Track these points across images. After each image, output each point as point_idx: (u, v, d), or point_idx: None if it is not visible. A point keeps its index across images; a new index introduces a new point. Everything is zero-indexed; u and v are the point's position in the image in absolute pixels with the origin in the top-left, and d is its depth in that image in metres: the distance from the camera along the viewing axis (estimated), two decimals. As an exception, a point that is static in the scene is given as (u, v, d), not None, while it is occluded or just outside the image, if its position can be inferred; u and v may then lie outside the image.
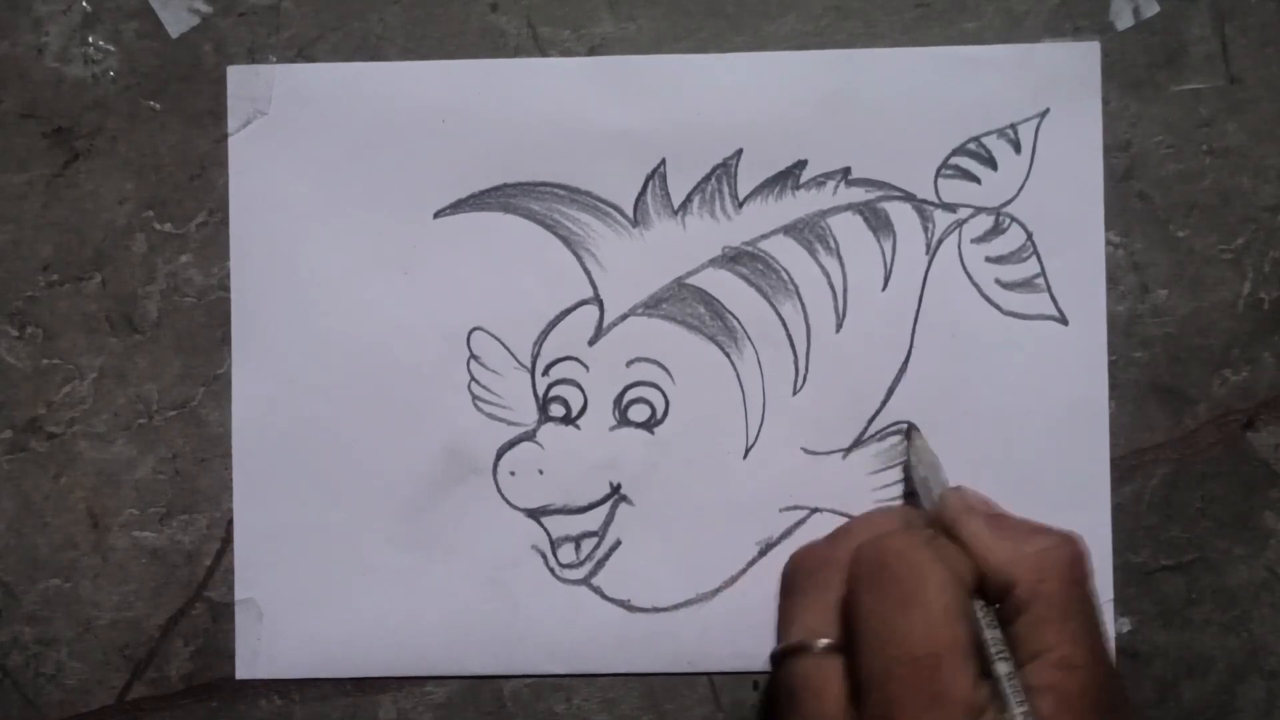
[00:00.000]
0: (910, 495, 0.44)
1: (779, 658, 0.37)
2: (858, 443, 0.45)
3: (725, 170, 0.45)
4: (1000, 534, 0.36)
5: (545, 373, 0.45)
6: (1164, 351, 0.45)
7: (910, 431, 0.44)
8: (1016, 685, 0.33)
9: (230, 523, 0.45)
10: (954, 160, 0.45)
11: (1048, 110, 0.45)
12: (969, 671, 0.33)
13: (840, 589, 0.36)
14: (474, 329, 0.45)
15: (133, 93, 0.46)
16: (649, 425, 0.45)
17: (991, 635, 0.34)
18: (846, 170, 0.45)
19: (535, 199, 0.45)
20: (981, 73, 0.45)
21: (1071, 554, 0.36)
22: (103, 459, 0.46)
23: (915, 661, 0.33)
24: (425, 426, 0.45)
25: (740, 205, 0.45)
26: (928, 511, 0.41)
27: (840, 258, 0.45)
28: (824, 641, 0.35)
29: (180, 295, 0.46)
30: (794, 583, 0.38)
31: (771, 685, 0.37)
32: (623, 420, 0.45)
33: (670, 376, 0.45)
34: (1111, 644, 0.44)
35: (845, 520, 0.44)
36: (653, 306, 0.45)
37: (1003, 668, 0.33)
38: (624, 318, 0.45)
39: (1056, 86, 0.45)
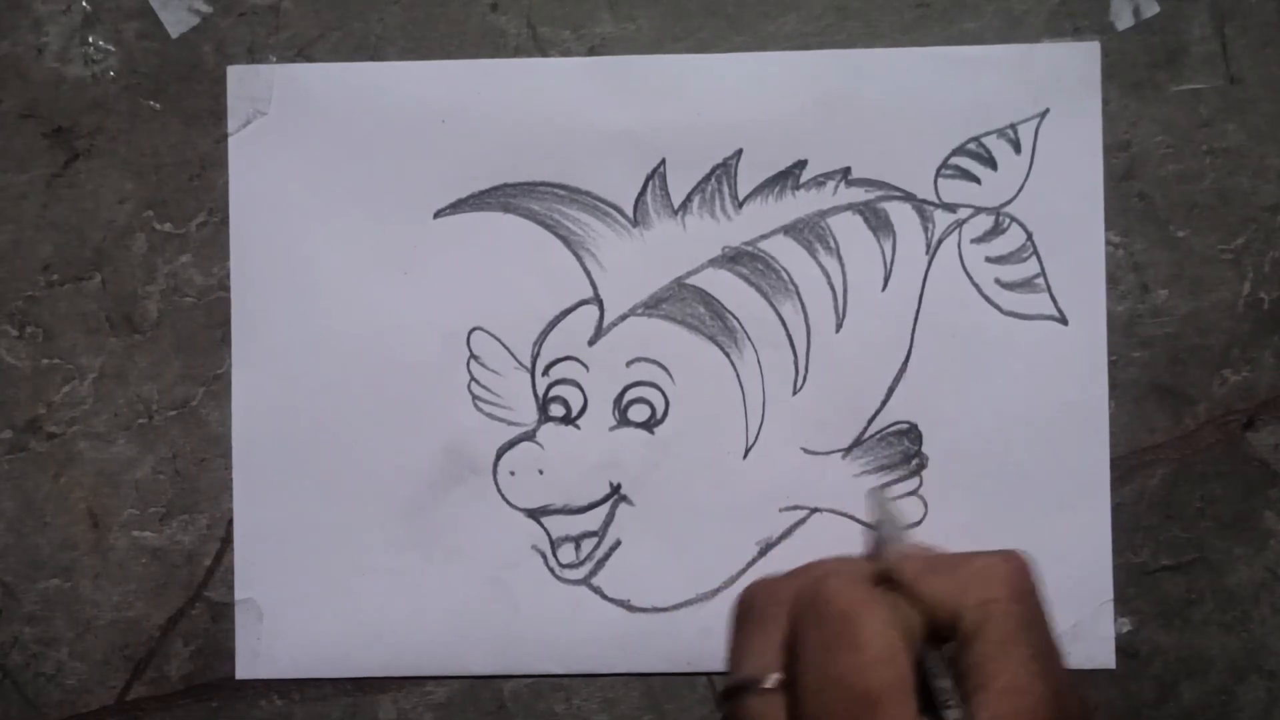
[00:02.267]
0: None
1: (727, 694, 0.37)
2: (858, 442, 0.45)
3: (725, 170, 0.45)
4: (937, 570, 0.36)
5: (545, 373, 0.45)
6: (1164, 351, 0.45)
7: (874, 491, 0.44)
8: None
9: (230, 523, 0.45)
10: (954, 160, 0.45)
11: (1048, 110, 0.45)
12: (907, 711, 0.33)
13: (786, 627, 0.36)
14: (474, 329, 0.45)
15: (133, 93, 0.46)
16: (649, 425, 0.45)
17: (940, 685, 0.34)
18: (846, 170, 0.45)
19: (535, 199, 0.45)
20: (981, 73, 0.45)
21: (1011, 571, 0.35)
22: (103, 459, 0.46)
23: (851, 702, 0.32)
24: (425, 426, 0.45)
25: (740, 205, 0.45)
26: (877, 566, 0.41)
27: (840, 258, 0.45)
28: (771, 679, 0.35)
29: (180, 295, 0.46)
30: (744, 618, 0.38)
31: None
32: (623, 420, 0.45)
33: (670, 376, 0.45)
34: (1111, 651, 0.44)
35: (845, 519, 0.44)
36: (653, 306, 0.45)
37: (952, 714, 0.33)
38: (624, 318, 0.45)
39: (1056, 86, 0.45)
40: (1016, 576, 0.35)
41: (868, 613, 0.34)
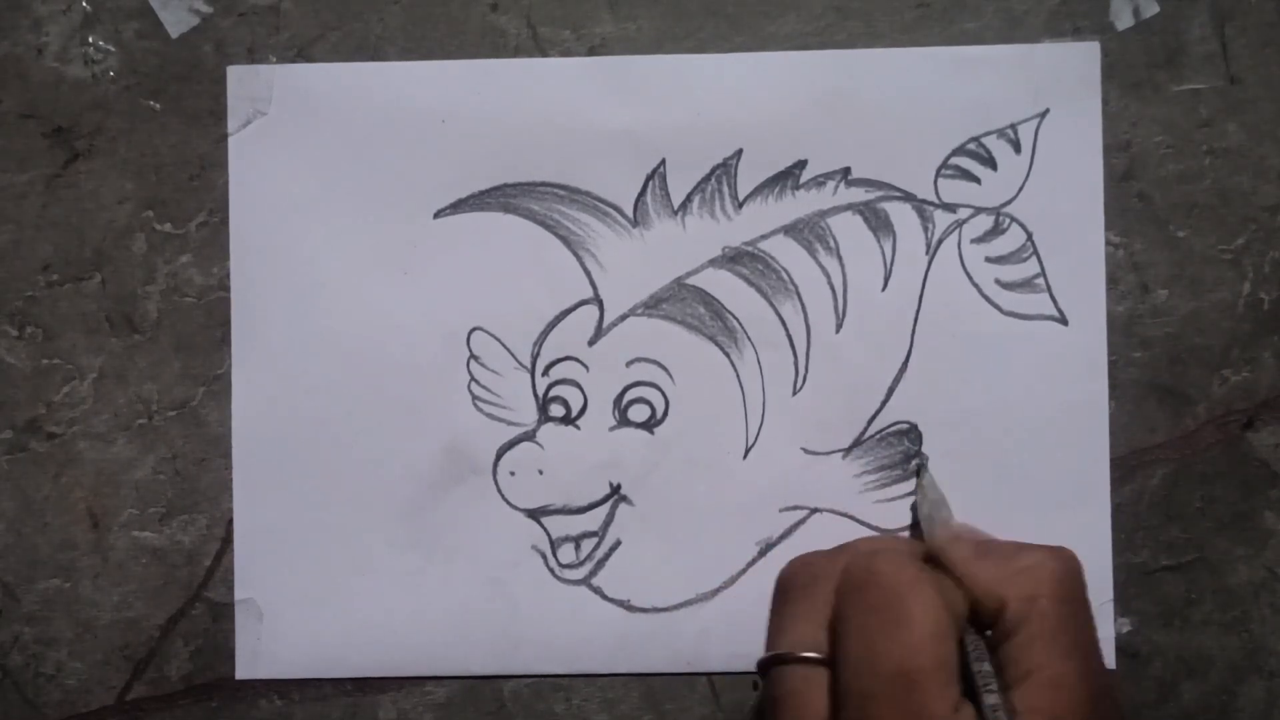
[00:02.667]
0: (916, 529, 0.44)
1: (765, 665, 0.37)
2: (858, 443, 0.45)
3: (725, 170, 0.45)
4: (987, 557, 0.36)
5: (545, 373, 0.45)
6: (1164, 351, 0.45)
7: (920, 467, 0.44)
8: (1003, 717, 0.33)
9: (230, 523, 0.45)
10: (954, 160, 0.45)
11: (1048, 110, 0.45)
12: (949, 693, 0.32)
13: (831, 603, 0.36)
14: (474, 329, 0.45)
15: (133, 93, 0.46)
16: (649, 425, 0.45)
17: (980, 669, 0.34)
18: (846, 170, 0.45)
19: (535, 199, 0.45)
20: (981, 73, 0.45)
21: (1062, 568, 0.35)
22: (103, 459, 0.46)
23: (895, 679, 0.32)
24: (425, 426, 0.45)
25: (740, 205, 0.45)
26: (924, 546, 0.40)
27: (840, 258, 0.45)
28: (810, 654, 0.35)
29: (180, 295, 0.46)
30: (787, 592, 0.38)
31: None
32: (623, 420, 0.45)
33: (670, 376, 0.45)
34: (1111, 651, 0.44)
35: (845, 519, 0.44)
36: (653, 306, 0.45)
37: (990, 699, 0.33)
38: (624, 318, 0.45)
39: (1056, 86, 0.45)
40: (1065, 574, 0.35)
41: (917, 591, 0.34)
